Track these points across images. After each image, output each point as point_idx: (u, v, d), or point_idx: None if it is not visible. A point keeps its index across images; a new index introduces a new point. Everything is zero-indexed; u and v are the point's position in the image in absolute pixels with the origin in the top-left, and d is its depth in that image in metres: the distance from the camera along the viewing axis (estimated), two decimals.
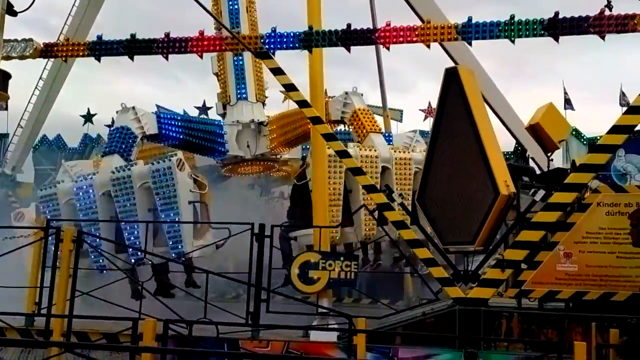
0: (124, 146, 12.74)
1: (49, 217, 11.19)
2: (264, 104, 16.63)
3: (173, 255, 10.81)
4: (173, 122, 14.40)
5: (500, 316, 7.51)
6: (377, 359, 7.34)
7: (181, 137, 14.44)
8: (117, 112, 13.68)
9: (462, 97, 8.01)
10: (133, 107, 13.35)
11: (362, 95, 14.89)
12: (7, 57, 8.72)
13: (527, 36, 7.74)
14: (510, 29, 7.74)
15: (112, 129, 13.65)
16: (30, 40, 8.99)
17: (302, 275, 8.53)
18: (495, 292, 7.69)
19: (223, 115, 16.35)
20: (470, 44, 8.19)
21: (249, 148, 15.44)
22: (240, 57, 15.55)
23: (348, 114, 14.21)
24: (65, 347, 6.20)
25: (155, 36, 8.76)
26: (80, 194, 11.73)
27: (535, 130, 9.11)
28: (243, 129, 15.58)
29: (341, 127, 16.24)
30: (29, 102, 22.96)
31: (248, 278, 8.46)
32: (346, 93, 14.43)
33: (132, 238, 11.14)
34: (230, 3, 15.81)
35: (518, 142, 17.33)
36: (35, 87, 22.85)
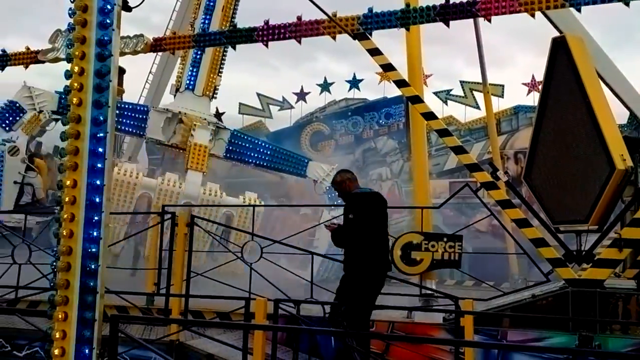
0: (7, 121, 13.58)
1: None
2: (211, 98, 16.85)
3: None
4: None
5: (616, 298, 7.11)
6: (485, 341, 7.19)
7: None
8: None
9: (572, 67, 7.58)
10: (30, 87, 14.23)
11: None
12: (121, 53, 9.30)
13: None
14: None
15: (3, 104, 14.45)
16: (141, 35, 9.53)
17: (405, 257, 8.49)
18: (612, 273, 7.27)
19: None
20: (579, 10, 7.69)
21: (173, 135, 15.97)
22: (198, 51, 15.73)
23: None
24: (183, 325, 6.60)
25: (253, 25, 8.99)
26: None
27: None
28: (172, 117, 16.02)
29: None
30: (140, 95, 24.42)
31: None
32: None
33: None
34: None
35: (632, 113, 16.15)
36: (146, 81, 24.23)
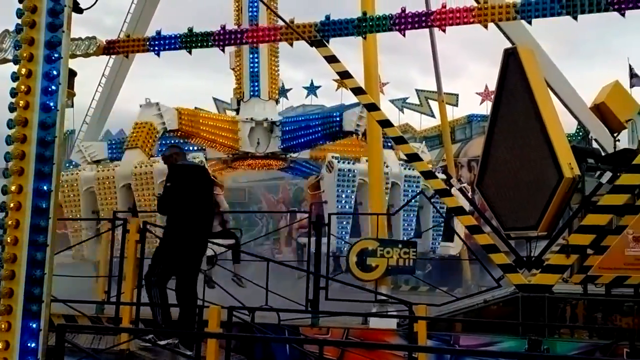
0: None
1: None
2: (277, 102, 16.76)
3: None
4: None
5: (564, 303, 7.31)
6: (438, 346, 7.28)
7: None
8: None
9: (523, 78, 7.78)
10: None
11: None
12: (72, 55, 9.04)
13: (590, 12, 7.40)
14: (573, 5, 7.42)
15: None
16: (94, 38, 9.29)
17: (360, 263, 8.54)
18: (560, 278, 7.48)
19: (237, 111, 16.58)
20: (530, 22, 7.91)
21: (259, 145, 15.57)
22: (255, 54, 15.66)
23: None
24: (134, 334, 6.44)
25: (210, 29, 8.91)
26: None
27: (600, 110, 8.80)
28: (256, 126, 15.77)
29: None
30: (92, 98, 23.86)
31: (307, 266, 8.54)
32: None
33: None
34: None
35: (580, 123, 16.75)
36: (99, 84, 23.69)
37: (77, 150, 14.47)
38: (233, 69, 16.46)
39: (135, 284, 7.39)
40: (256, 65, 15.82)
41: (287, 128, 15.49)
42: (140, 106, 14.05)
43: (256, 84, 15.81)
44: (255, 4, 15.68)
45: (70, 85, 9.14)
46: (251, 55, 15.69)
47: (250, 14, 15.68)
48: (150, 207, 11.81)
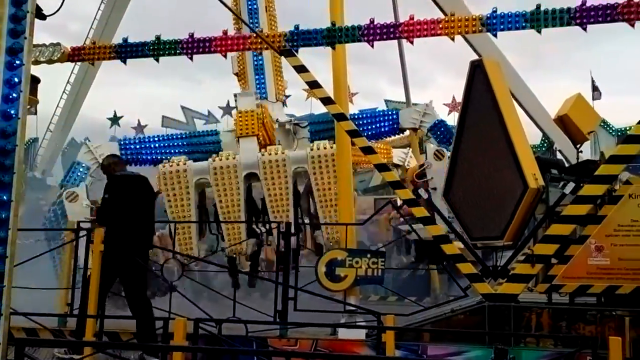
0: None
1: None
2: (284, 104, 16.61)
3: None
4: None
5: (529, 312, 7.41)
6: (406, 356, 7.30)
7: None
8: (235, 95, 13.79)
9: (489, 89, 7.91)
10: (85, 140, 13.56)
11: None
12: (36, 62, 8.88)
13: (553, 26, 7.61)
14: (537, 19, 7.62)
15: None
16: (58, 44, 9.13)
17: (329, 273, 8.52)
18: (525, 288, 7.59)
19: None
20: (495, 35, 8.08)
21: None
22: (260, 57, 15.52)
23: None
24: (97, 347, 6.30)
25: (179, 37, 8.84)
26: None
27: (563, 121, 9.01)
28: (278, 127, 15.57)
29: None
30: (57, 106, 23.43)
31: (275, 276, 8.48)
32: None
33: None
34: (250, 3, 15.77)
35: (544, 134, 17.10)
36: (63, 91, 23.28)
37: (86, 151, 13.83)
38: (236, 74, 16.31)
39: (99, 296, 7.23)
40: (261, 68, 15.63)
41: (313, 129, 15.18)
42: (236, 95, 13.76)
43: (263, 86, 15.59)
44: (255, 7, 15.52)
45: (34, 92, 8.98)
46: (255, 59, 15.52)
47: (250, 20, 15.55)
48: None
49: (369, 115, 14.44)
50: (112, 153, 7.56)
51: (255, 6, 15.68)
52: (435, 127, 13.79)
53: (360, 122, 14.33)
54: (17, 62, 3.63)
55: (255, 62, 15.89)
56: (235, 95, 13.87)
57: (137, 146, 13.15)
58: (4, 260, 3.43)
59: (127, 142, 13.60)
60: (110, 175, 6.78)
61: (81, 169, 13.07)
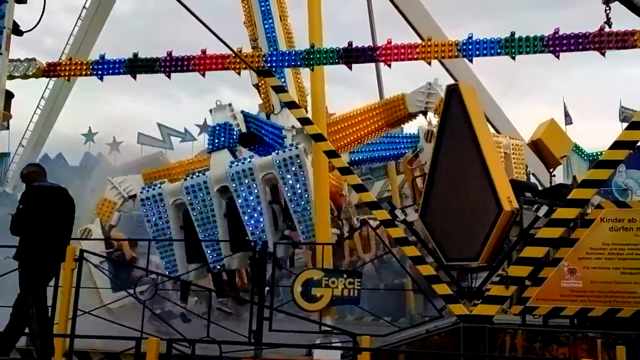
0: (231, 141, 12.63)
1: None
2: (306, 110, 16.54)
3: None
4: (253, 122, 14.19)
5: (504, 333, 7.46)
6: None
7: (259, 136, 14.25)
8: (210, 110, 13.61)
9: (464, 113, 8.03)
10: (230, 104, 13.35)
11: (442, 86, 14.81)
12: (10, 77, 8.73)
13: (527, 53, 7.78)
14: (511, 46, 7.78)
15: (214, 125, 13.30)
16: (33, 59, 9.03)
17: (305, 293, 8.48)
18: (500, 309, 7.64)
19: None
20: (471, 61, 8.23)
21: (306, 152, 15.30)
22: (282, 75, 15.37)
23: (434, 104, 13.81)
24: None
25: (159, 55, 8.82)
26: (194, 192, 11.57)
27: (537, 146, 9.17)
28: (297, 134, 15.47)
29: None
30: (30, 121, 23.12)
31: (250, 296, 8.41)
32: (429, 84, 14.11)
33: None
34: (266, 22, 15.75)
35: None
36: (37, 107, 23.02)
37: (111, 187, 13.59)
38: (255, 85, 16.23)
39: (70, 314, 7.08)
40: (282, 76, 15.55)
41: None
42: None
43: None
44: (271, 26, 15.47)
45: (7, 106, 8.82)
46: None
47: (267, 34, 15.52)
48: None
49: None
50: (33, 163, 7.59)
51: (272, 25, 15.49)
52: None
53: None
54: None
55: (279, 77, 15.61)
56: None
57: None
58: None
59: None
60: (29, 185, 6.70)
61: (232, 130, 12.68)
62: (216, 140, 12.71)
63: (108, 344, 7.02)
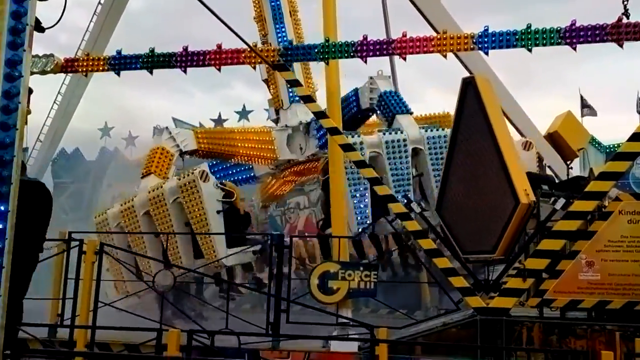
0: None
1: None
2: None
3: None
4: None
5: (521, 326, 7.45)
6: None
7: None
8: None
9: (480, 106, 8.00)
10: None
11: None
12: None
13: (544, 45, 7.72)
14: (527, 38, 7.73)
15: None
16: (51, 55, 9.13)
17: (322, 286, 8.53)
18: (517, 302, 7.63)
19: (276, 121, 16.43)
20: (487, 53, 8.19)
21: (301, 150, 15.36)
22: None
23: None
24: (88, 358, 6.26)
25: (175, 50, 8.88)
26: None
27: (554, 138, 9.11)
28: (293, 132, 15.51)
29: None
30: (47, 116, 23.35)
31: (268, 288, 8.48)
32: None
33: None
34: (276, 18, 15.77)
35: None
36: (54, 102, 23.23)
37: (168, 137, 13.58)
38: (265, 80, 16.28)
39: (91, 306, 7.22)
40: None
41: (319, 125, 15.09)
42: (153, 136, 13.93)
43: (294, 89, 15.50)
44: (281, 21, 15.51)
45: (27, 102, 8.94)
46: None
47: (277, 33, 15.57)
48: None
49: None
50: None
51: (280, 13, 15.49)
52: (380, 100, 13.66)
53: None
54: (16, 73, 3.66)
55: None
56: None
57: None
58: (1, 271, 3.44)
59: None
60: None
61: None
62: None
63: (129, 335, 7.12)
